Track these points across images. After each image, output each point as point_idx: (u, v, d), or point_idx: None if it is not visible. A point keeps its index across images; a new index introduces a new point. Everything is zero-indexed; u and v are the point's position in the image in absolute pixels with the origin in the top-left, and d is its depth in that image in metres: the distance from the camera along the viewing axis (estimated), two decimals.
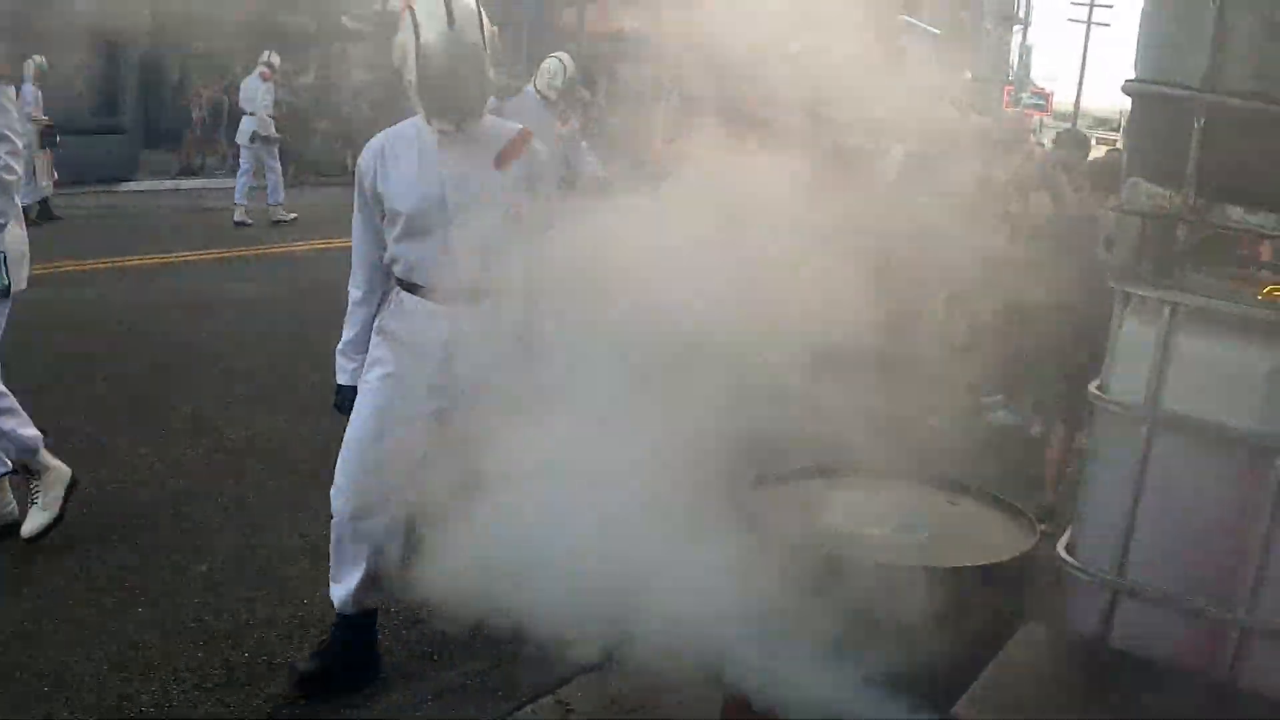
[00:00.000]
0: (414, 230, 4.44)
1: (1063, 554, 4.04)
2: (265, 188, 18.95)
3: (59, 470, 5.92)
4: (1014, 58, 58.16)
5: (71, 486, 5.96)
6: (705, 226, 4.25)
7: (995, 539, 4.31)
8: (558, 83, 11.13)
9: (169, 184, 22.68)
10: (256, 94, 19.05)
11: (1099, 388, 3.94)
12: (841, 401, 4.71)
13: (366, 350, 4.66)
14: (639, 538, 4.35)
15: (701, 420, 4.51)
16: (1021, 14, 59.85)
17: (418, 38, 4.22)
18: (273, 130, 19.10)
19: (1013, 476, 6.86)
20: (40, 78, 18.18)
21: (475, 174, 4.41)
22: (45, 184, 17.84)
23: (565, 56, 11.45)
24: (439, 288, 4.44)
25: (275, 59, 20.04)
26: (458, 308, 4.42)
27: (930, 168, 6.69)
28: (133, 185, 21.58)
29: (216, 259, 15.29)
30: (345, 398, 4.72)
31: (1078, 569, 3.96)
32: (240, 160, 19.11)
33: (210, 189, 22.40)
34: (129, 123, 22.88)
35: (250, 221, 18.25)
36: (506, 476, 4.68)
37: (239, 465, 7.24)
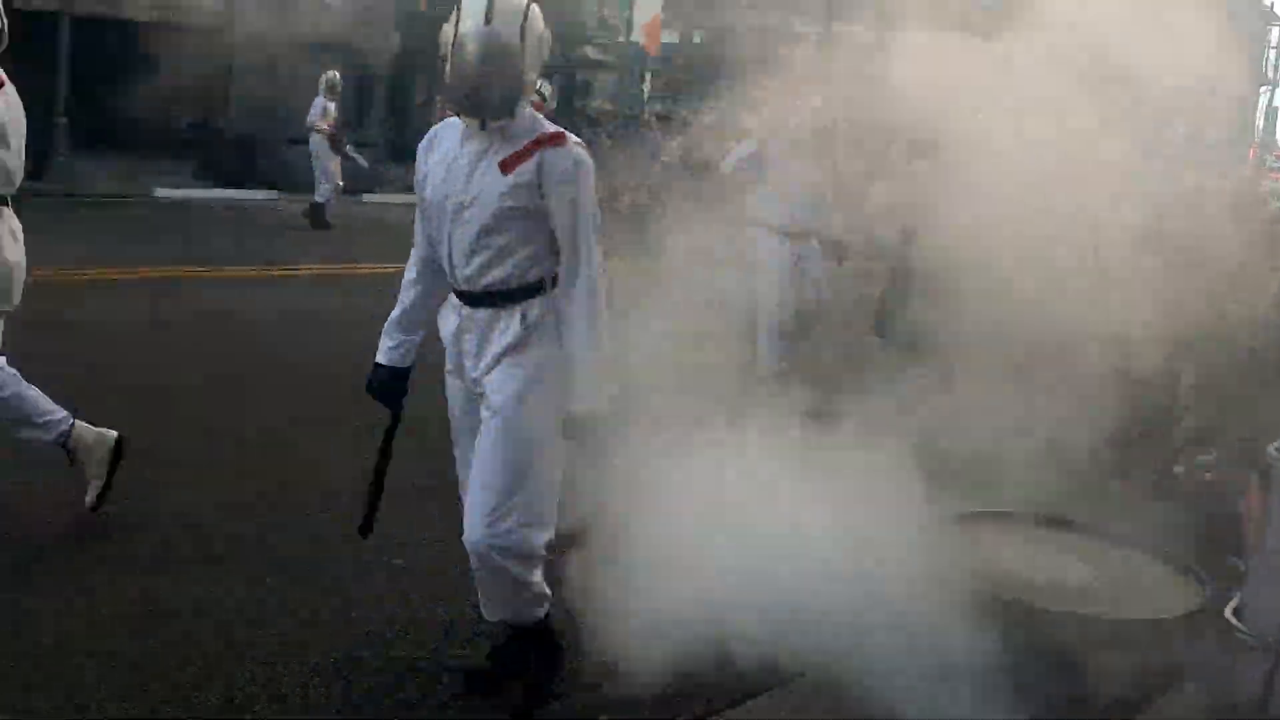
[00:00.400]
0: (431, 221, 4.45)
1: (1229, 616, 4.01)
2: None
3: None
4: (1259, 119, 56.01)
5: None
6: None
7: (1164, 595, 4.29)
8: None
9: (410, 198, 23.41)
10: None
11: (1278, 446, 3.90)
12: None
13: (407, 331, 4.66)
14: (826, 559, 4.49)
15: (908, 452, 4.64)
16: (1271, 74, 57.63)
17: (456, 30, 4.19)
18: None
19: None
20: (332, 91, 19.32)
21: (482, 174, 4.29)
22: (330, 191, 18.91)
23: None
24: (451, 284, 4.48)
25: (547, 88, 20.55)
26: (465, 306, 4.44)
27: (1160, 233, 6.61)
28: (375, 197, 22.36)
29: None
30: (375, 376, 4.71)
31: (1243, 632, 3.92)
32: None
33: None
34: (375, 137, 23.82)
35: None
36: (693, 492, 4.87)
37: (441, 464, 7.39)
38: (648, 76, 34.52)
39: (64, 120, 21.20)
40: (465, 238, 4.31)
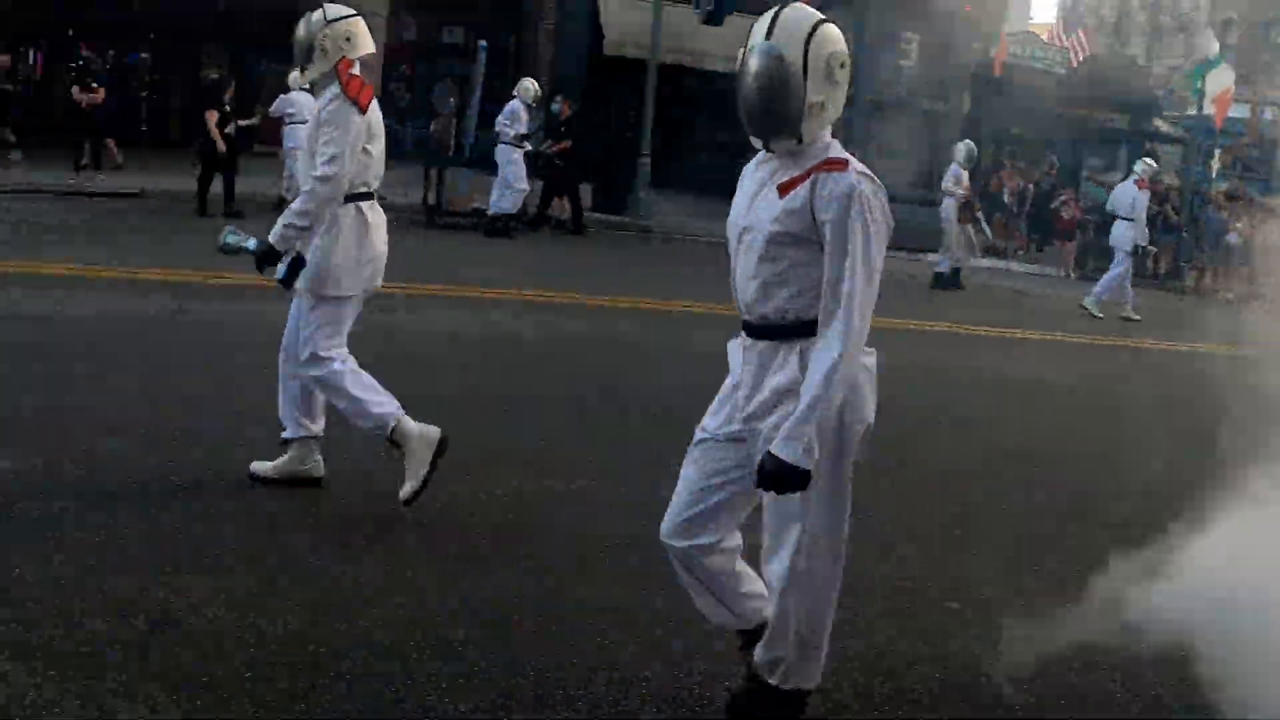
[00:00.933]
0: (729, 247, 4.31)
1: None
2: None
3: (422, 436, 6.38)
4: None
5: (440, 447, 6.37)
6: None
7: None
8: None
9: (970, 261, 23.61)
10: (1134, 201, 19.54)
11: None
12: None
13: None
14: None
15: None
16: None
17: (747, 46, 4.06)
18: (1148, 241, 19.79)
19: None
20: (968, 160, 20.31)
21: (763, 198, 4.10)
22: (963, 255, 19.87)
23: None
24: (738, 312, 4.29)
25: (1150, 165, 20.59)
26: (746, 337, 4.22)
27: None
28: (934, 256, 22.55)
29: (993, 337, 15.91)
30: None
31: None
32: (1114, 263, 19.63)
33: (1010, 271, 23.49)
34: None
35: (1100, 315, 18.83)
36: None
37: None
38: (1216, 152, 33.33)
39: (646, 160, 22.43)
40: (746, 265, 4.16)
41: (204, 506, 6.18)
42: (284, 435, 6.64)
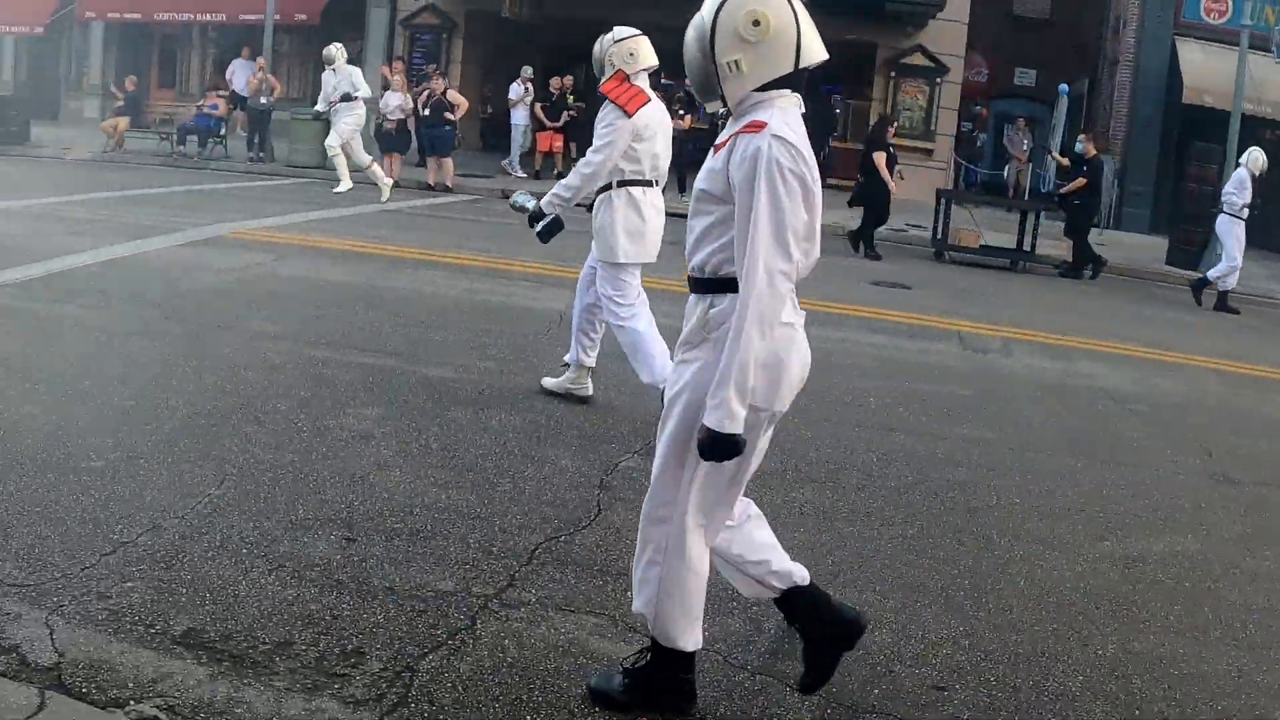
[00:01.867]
0: None
1: None
2: None
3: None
4: None
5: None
6: None
7: None
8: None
9: None
10: None
11: None
12: None
13: None
14: None
15: None
16: None
17: None
18: None
19: None
20: None
21: (708, 159, 4.14)
22: None
23: None
24: None
25: None
26: (694, 292, 4.22)
27: None
28: None
29: None
30: None
31: None
32: None
33: None
34: None
35: None
36: None
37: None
38: None
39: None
40: (690, 222, 4.22)
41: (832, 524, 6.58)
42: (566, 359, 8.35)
